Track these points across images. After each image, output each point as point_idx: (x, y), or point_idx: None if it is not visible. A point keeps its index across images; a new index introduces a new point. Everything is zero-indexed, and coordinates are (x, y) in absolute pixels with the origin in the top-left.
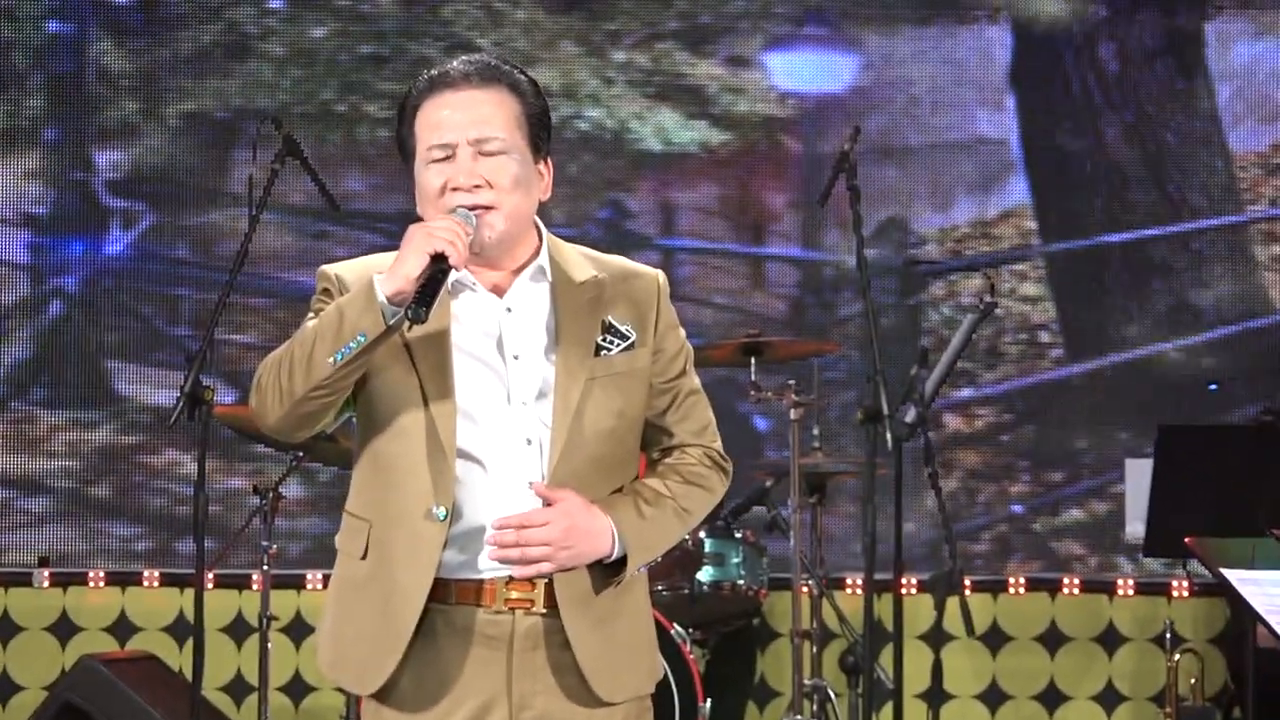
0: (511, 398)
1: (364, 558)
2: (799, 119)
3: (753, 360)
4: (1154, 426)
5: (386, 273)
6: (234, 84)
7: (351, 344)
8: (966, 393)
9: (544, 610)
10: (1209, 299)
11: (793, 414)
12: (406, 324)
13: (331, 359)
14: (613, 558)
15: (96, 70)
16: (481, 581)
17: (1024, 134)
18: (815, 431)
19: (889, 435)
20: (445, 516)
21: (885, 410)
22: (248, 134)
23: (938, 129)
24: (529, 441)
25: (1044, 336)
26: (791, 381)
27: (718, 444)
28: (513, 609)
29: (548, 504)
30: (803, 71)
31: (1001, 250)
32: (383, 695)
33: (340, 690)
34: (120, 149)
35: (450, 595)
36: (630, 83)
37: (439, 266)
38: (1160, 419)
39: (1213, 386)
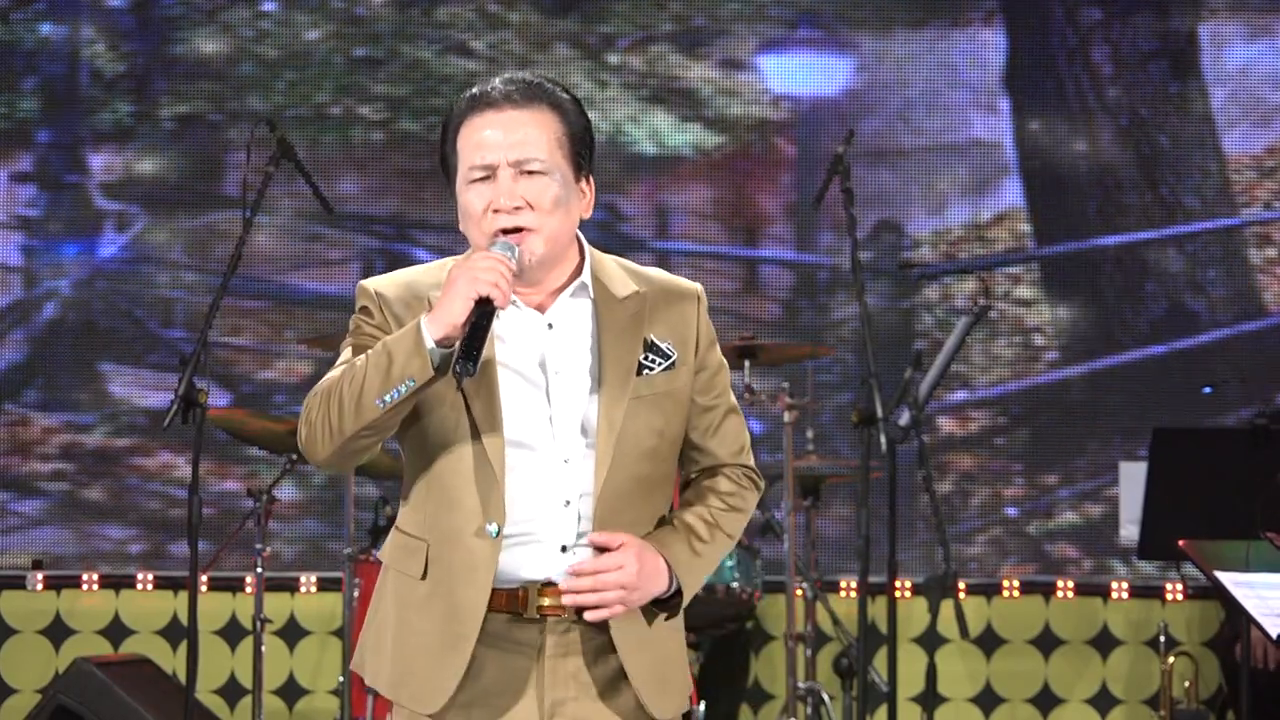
0: (553, 417)
1: (423, 577)
2: (793, 122)
3: (746, 363)
4: (1148, 430)
5: (432, 315)
6: (228, 87)
7: (400, 388)
8: (961, 396)
9: (575, 618)
10: (1203, 302)
11: (787, 417)
12: (455, 376)
13: (380, 401)
14: (669, 593)
15: (90, 73)
16: (515, 589)
17: (1018, 137)
18: (809, 434)
19: (883, 438)
20: (498, 534)
21: (879, 413)
22: (242, 137)
23: (932, 132)
24: (566, 461)
25: (1038, 340)
26: (785, 385)
27: (752, 461)
28: (545, 616)
29: (599, 549)
30: (796, 74)
31: (996, 253)
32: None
33: (334, 693)
34: (114, 152)
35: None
36: (624, 85)
37: (484, 310)
38: (1155, 422)
39: (1207, 390)
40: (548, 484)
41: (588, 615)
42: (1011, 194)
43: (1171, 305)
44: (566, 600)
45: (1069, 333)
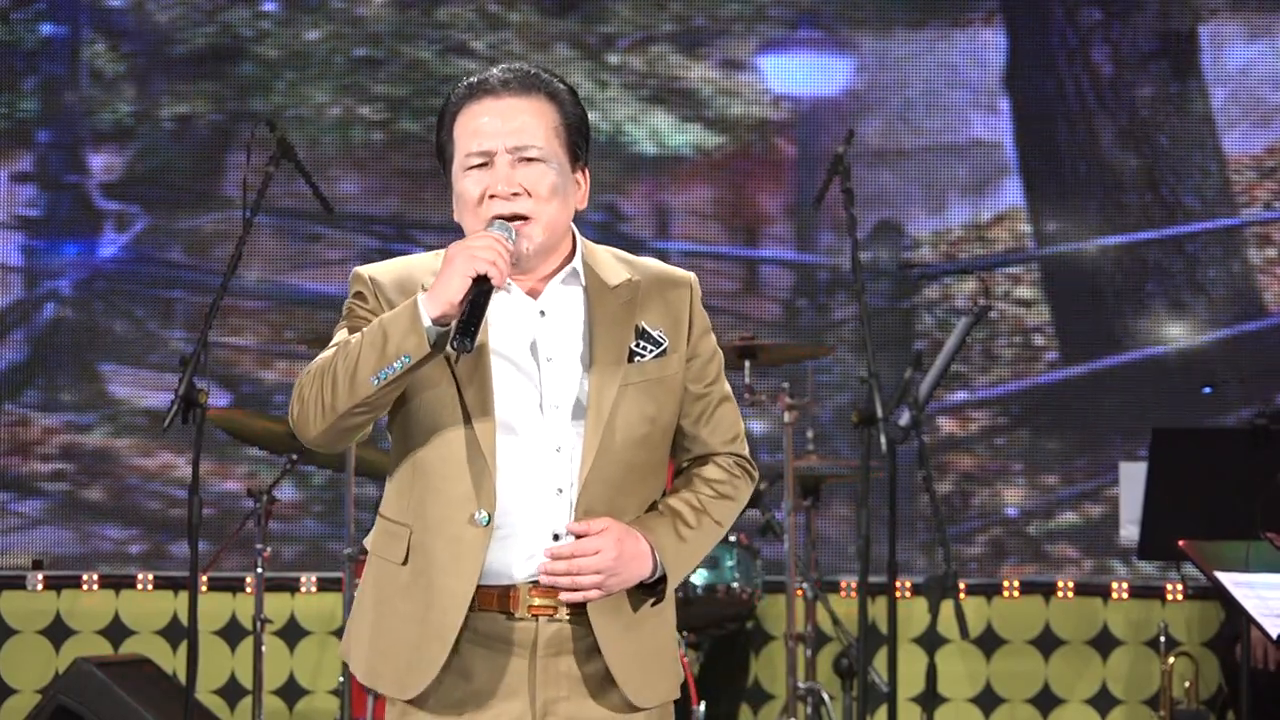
0: (544, 404)
1: (404, 563)
2: (793, 122)
3: (747, 363)
4: (1148, 430)
5: (429, 293)
6: (228, 87)
7: (396, 365)
8: (961, 396)
9: (567, 616)
10: (1203, 302)
11: (787, 417)
12: (453, 353)
13: (375, 378)
14: (653, 579)
15: (90, 73)
16: (506, 588)
17: (1018, 137)
18: (809, 434)
19: (883, 438)
20: (488, 522)
21: (879, 413)
22: (242, 137)
23: (932, 132)
24: (558, 449)
25: (1038, 340)
26: (785, 385)
27: (746, 450)
28: (536, 615)
29: (579, 535)
30: (797, 74)
31: (996, 253)
32: (413, 699)
33: (335, 694)
34: (114, 152)
35: (476, 601)
36: (625, 86)
37: (481, 289)
38: (1154, 422)
39: (1207, 390)
40: (539, 471)
41: (563, 597)
42: (1012, 194)
43: (1171, 305)
44: (544, 581)
45: (1069, 333)
